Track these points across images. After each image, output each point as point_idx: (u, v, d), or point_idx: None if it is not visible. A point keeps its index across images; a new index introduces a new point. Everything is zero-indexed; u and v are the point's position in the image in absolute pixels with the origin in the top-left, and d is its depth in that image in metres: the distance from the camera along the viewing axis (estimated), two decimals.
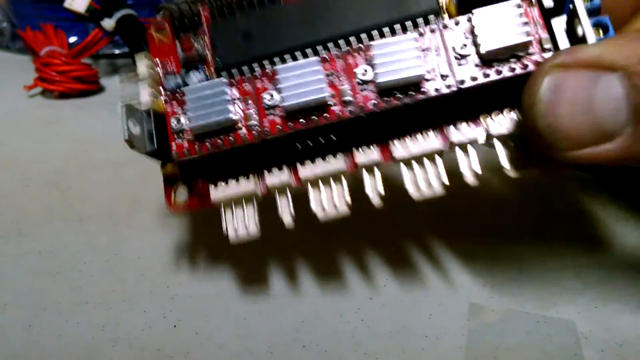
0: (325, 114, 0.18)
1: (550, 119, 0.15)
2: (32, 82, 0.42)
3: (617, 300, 0.20)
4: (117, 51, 0.52)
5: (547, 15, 0.17)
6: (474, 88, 0.17)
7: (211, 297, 0.21)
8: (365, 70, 0.18)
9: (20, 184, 0.30)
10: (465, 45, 0.17)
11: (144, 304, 0.21)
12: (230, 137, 0.18)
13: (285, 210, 0.19)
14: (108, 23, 0.41)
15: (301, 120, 0.18)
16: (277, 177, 0.19)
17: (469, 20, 0.17)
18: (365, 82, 0.18)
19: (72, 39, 0.50)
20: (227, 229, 0.19)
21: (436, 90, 0.17)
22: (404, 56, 0.17)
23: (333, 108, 0.18)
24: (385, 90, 0.17)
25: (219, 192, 0.19)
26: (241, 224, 0.19)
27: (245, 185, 0.19)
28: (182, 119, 0.19)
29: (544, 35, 0.17)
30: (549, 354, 0.19)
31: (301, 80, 0.18)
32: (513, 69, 0.17)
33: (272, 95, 0.18)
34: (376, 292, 0.21)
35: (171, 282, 0.22)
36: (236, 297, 0.21)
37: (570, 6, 0.16)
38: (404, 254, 0.23)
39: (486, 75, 0.17)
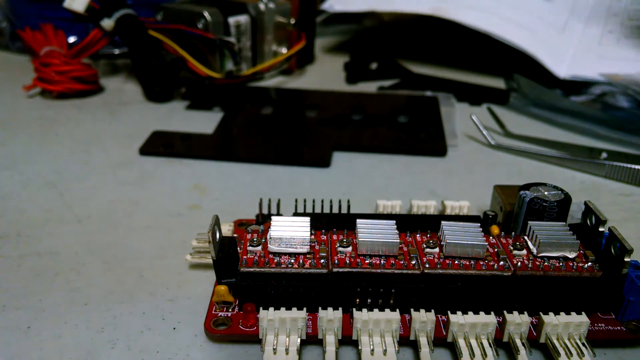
0: (392, 261, 0.19)
1: None
2: (31, 82, 0.42)
3: None
4: (116, 51, 0.52)
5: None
6: None
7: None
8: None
9: (19, 184, 0.30)
10: None
11: (143, 306, 0.21)
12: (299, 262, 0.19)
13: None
14: (107, 23, 0.41)
15: (368, 261, 0.19)
16: (330, 314, 0.18)
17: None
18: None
19: (72, 39, 0.50)
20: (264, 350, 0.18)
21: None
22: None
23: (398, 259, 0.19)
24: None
25: (267, 314, 0.18)
26: (281, 349, 0.18)
27: (296, 313, 0.19)
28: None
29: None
30: None
31: (378, 230, 0.20)
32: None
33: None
34: None
35: (170, 284, 0.22)
36: None
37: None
38: None
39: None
